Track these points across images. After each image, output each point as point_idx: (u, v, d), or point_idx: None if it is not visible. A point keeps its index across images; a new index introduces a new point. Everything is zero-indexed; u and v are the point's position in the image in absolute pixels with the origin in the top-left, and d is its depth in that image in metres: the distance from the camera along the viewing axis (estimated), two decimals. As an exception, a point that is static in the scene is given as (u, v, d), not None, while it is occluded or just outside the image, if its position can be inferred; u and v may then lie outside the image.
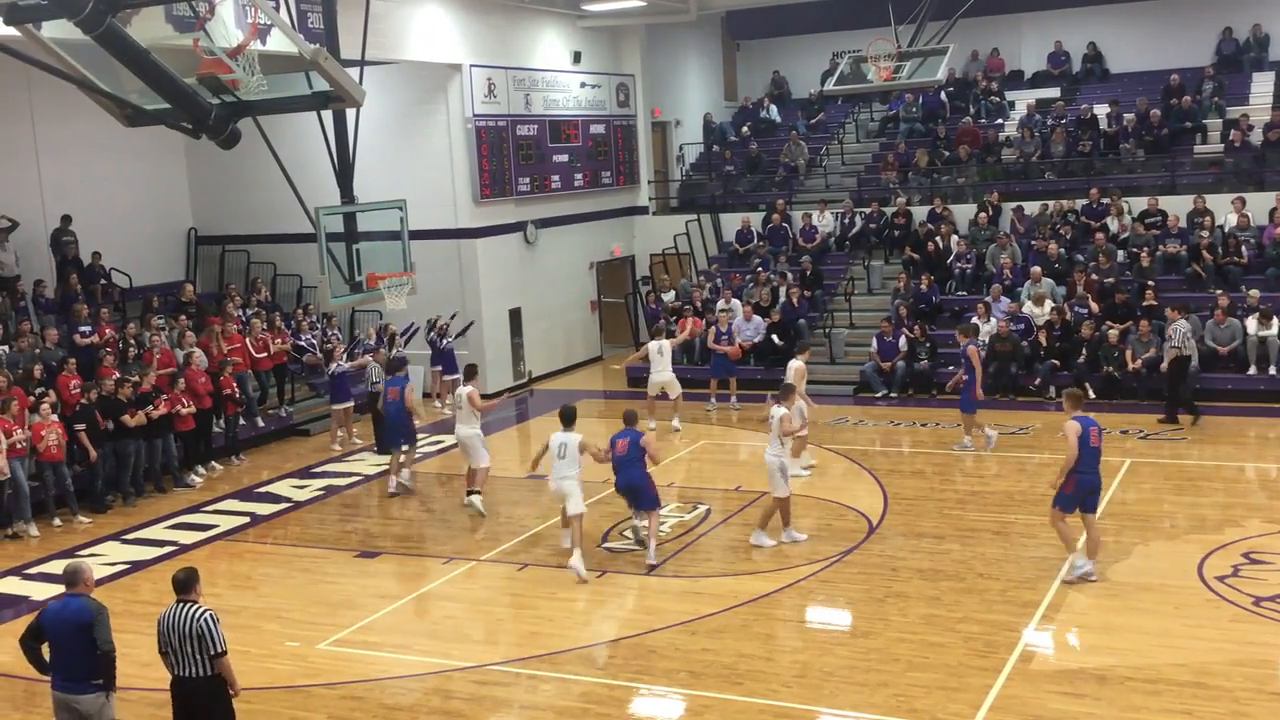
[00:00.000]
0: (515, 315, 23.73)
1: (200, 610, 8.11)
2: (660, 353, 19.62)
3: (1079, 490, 11.93)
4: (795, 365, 16.69)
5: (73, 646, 8.16)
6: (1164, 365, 18.68)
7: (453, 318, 21.93)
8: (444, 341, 21.60)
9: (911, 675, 10.02)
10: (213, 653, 8.08)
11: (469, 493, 15.30)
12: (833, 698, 9.77)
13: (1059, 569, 12.23)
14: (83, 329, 18.43)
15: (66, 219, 20.43)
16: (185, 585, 8.27)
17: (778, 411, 13.46)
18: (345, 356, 19.92)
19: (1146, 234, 22.15)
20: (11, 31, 9.47)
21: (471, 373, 15.95)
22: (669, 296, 24.63)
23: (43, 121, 20.55)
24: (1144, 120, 24.80)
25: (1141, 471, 15.85)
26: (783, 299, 22.88)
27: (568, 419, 13.20)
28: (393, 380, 16.69)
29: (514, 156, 23.42)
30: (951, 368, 20.55)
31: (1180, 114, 24.89)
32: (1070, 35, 28.77)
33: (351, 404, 19.44)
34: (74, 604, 8.22)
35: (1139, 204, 22.93)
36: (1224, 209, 22.17)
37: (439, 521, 15.42)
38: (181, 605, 8.17)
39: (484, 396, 16.42)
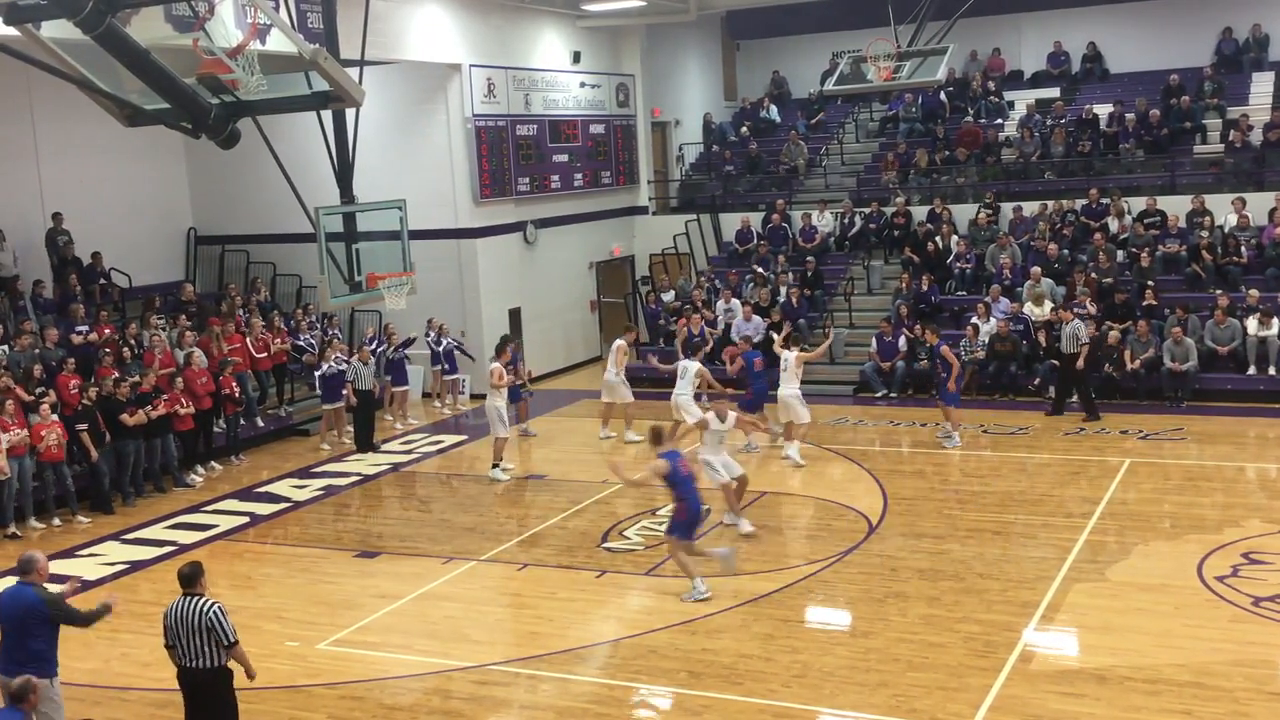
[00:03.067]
0: (515, 315, 23.72)
1: (208, 604, 8.25)
2: (683, 375, 17.61)
3: (691, 517, 12.01)
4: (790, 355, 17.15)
5: (21, 633, 8.41)
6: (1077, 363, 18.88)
7: (462, 335, 21.94)
8: (445, 342, 21.58)
9: (911, 675, 10.02)
10: (226, 644, 8.26)
11: (493, 465, 16.80)
12: (832, 698, 9.77)
13: (1059, 569, 12.23)
14: (79, 329, 18.41)
15: (58, 217, 20.40)
16: (191, 580, 8.38)
17: (789, 355, 16.91)
18: (374, 346, 20.25)
19: (1146, 234, 22.16)
20: (11, 31, 9.47)
21: (501, 346, 17.31)
22: (669, 296, 24.64)
23: (42, 121, 20.53)
24: (1144, 120, 24.81)
25: (1141, 471, 15.84)
26: (783, 298, 22.87)
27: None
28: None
29: (514, 156, 23.41)
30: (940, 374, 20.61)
31: (1180, 114, 24.90)
32: (1070, 35, 28.78)
33: (343, 404, 19.41)
34: (26, 593, 8.49)
35: (1138, 204, 22.93)
36: (1224, 209, 22.17)
37: (439, 522, 15.41)
38: (188, 599, 8.29)
39: (483, 396, 16.71)
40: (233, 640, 8.28)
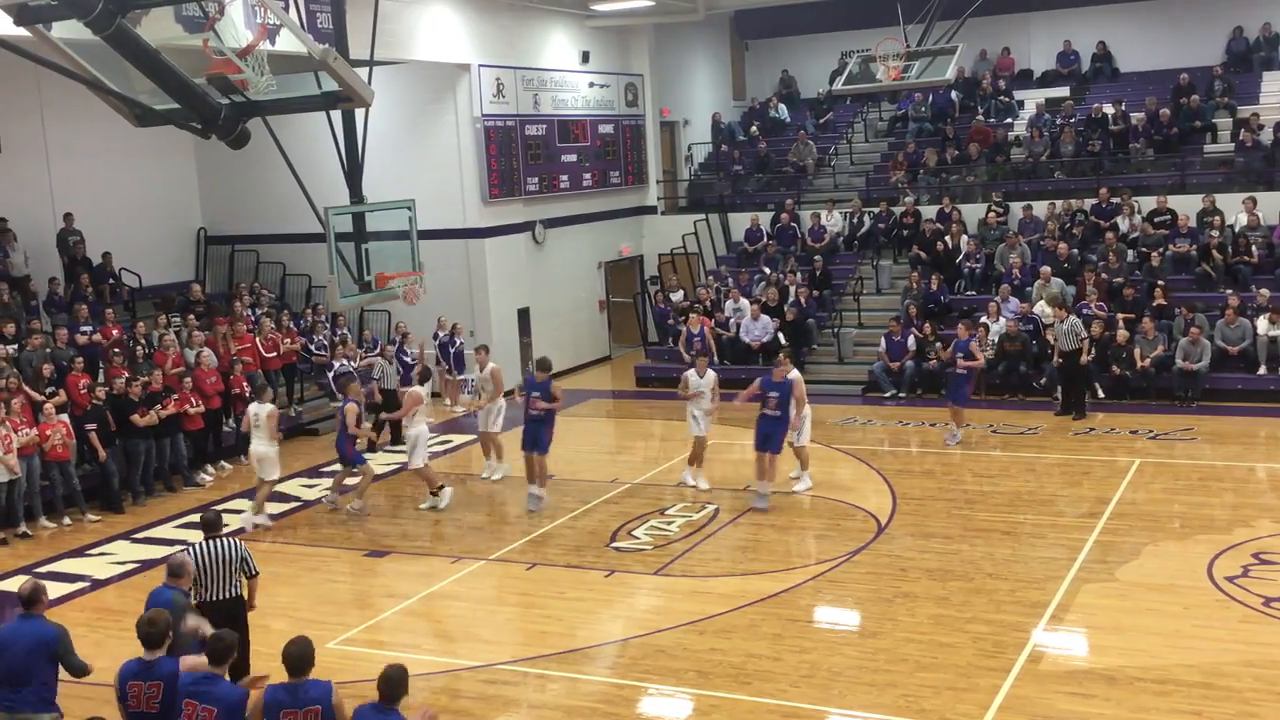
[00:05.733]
0: (524, 315, 23.74)
1: (234, 541, 9.76)
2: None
3: None
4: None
5: (31, 668, 8.05)
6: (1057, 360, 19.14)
7: (471, 335, 21.93)
8: (459, 341, 21.59)
9: (920, 675, 10.01)
10: (250, 574, 9.74)
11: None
12: (841, 698, 9.76)
13: (1068, 569, 12.22)
14: (84, 328, 18.45)
15: (69, 217, 20.48)
16: (214, 525, 9.86)
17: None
18: (368, 350, 20.22)
19: (1156, 233, 22.11)
20: (21, 32, 9.48)
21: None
22: (677, 296, 24.64)
23: (52, 122, 20.59)
24: (1153, 119, 24.73)
25: (1150, 471, 15.81)
26: (792, 298, 22.86)
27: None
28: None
29: (522, 156, 23.43)
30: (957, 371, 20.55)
31: (1190, 113, 24.83)
32: (1079, 34, 28.71)
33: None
34: (34, 626, 8.19)
35: (1148, 203, 22.87)
36: (1234, 208, 22.10)
37: (447, 521, 15.42)
38: (211, 541, 9.69)
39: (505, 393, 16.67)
40: (256, 571, 9.81)
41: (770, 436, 14.76)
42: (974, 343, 17.96)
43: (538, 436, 15.15)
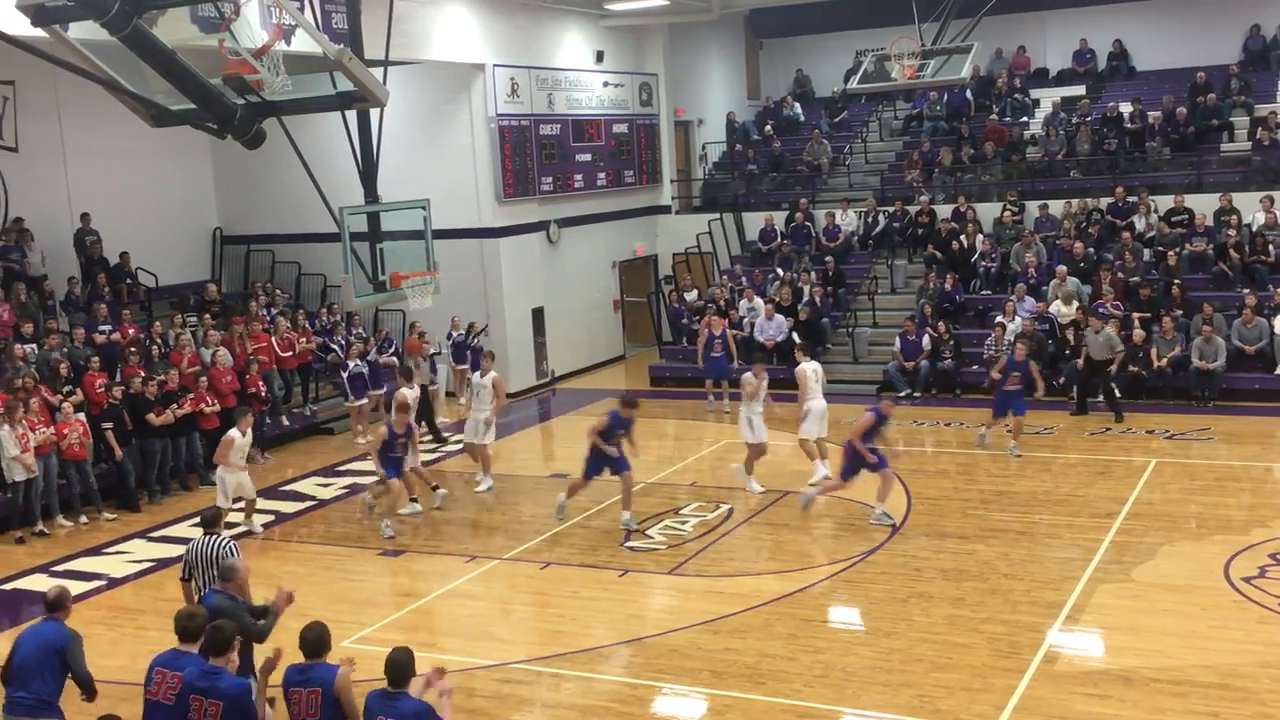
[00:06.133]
0: (538, 314, 23.76)
1: (224, 540, 9.78)
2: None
3: None
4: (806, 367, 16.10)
5: (41, 669, 8.05)
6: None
7: (485, 329, 21.93)
8: (474, 340, 21.61)
9: (935, 676, 9.99)
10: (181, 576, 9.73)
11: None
12: (855, 698, 9.75)
13: (1084, 570, 12.18)
14: (102, 328, 18.55)
15: (86, 217, 20.58)
16: (212, 521, 9.93)
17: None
18: (375, 351, 20.27)
19: (1172, 232, 22.01)
20: (38, 33, 9.52)
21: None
22: (691, 296, 24.63)
23: (69, 122, 20.68)
24: (1170, 118, 24.63)
25: (1167, 471, 15.75)
26: (806, 297, 22.83)
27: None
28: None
29: (537, 156, 23.45)
30: (977, 367, 20.52)
31: (1206, 112, 24.72)
32: (1095, 33, 28.60)
33: (367, 401, 19.56)
34: (51, 627, 8.24)
35: (1165, 202, 22.78)
36: (1251, 207, 21.99)
37: (462, 520, 15.45)
38: (208, 538, 9.75)
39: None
40: (183, 576, 9.75)
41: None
42: (1033, 365, 17.40)
43: (619, 462, 14.41)
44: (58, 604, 8.34)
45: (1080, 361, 19.19)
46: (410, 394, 16.14)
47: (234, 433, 14.89)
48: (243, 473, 14.94)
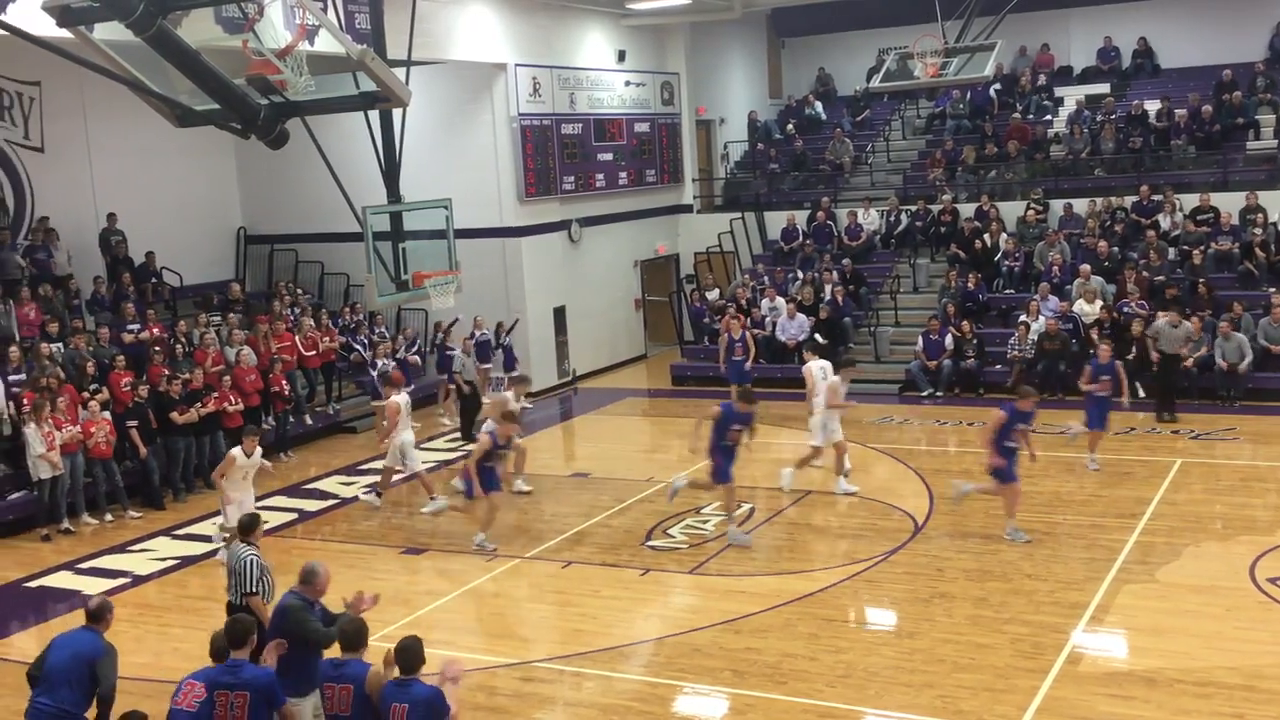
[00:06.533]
0: (560, 313, 23.79)
1: (246, 553, 9.45)
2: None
3: None
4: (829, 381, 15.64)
5: (69, 679, 7.99)
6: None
7: (515, 323, 21.92)
8: (505, 338, 21.67)
9: (957, 676, 9.96)
10: (245, 591, 9.35)
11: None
12: (877, 698, 9.72)
13: (1108, 570, 12.11)
14: (130, 327, 18.68)
15: (112, 217, 20.72)
16: (247, 529, 9.65)
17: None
18: (405, 348, 20.38)
19: (1198, 231, 21.87)
20: (64, 33, 9.60)
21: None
22: (713, 295, 24.61)
23: (95, 122, 20.83)
24: (1195, 116, 24.47)
25: (1193, 472, 15.64)
26: (827, 296, 22.79)
27: None
28: None
29: (559, 155, 23.48)
30: (1000, 366, 20.44)
31: (1232, 110, 24.54)
32: (1120, 30, 28.43)
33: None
34: (88, 637, 8.22)
35: (1190, 201, 22.64)
36: (1277, 206, 21.84)
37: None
38: (242, 545, 9.56)
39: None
40: (249, 590, 9.31)
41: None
42: (1119, 364, 16.42)
43: (727, 468, 13.66)
44: (98, 615, 8.26)
45: (1155, 357, 18.82)
46: (400, 399, 15.54)
47: (236, 451, 13.40)
48: (245, 495, 13.38)
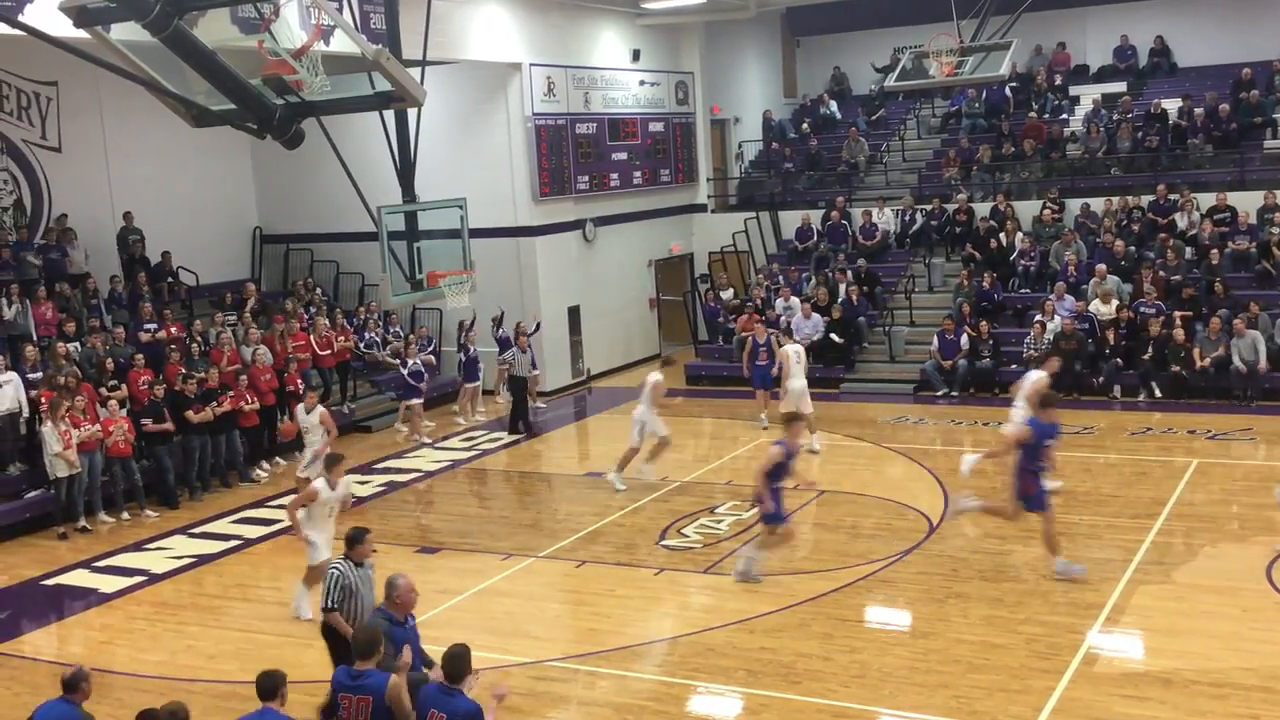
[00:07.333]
0: (574, 313, 23.80)
1: (332, 567, 9.33)
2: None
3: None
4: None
5: None
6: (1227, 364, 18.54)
7: (537, 328, 21.89)
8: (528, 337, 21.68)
9: (972, 677, 9.93)
10: (323, 606, 9.23)
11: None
12: (892, 698, 9.71)
13: (1124, 571, 12.06)
14: (148, 325, 18.76)
15: (129, 216, 20.83)
16: (354, 541, 9.32)
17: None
18: (420, 349, 20.49)
19: (1215, 231, 21.77)
20: (81, 34, 9.64)
21: None
22: (727, 294, 24.58)
23: (111, 122, 20.93)
24: (1213, 115, 24.35)
25: (1209, 472, 15.57)
26: (842, 295, 22.75)
27: None
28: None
29: (573, 155, 23.49)
30: (1015, 366, 20.37)
31: (1250, 108, 24.41)
32: (1136, 29, 28.31)
33: (421, 400, 19.79)
34: (64, 710, 7.72)
35: (1207, 200, 22.53)
36: (1295, 205, 21.73)
37: (498, 518, 15.51)
38: (337, 559, 9.46)
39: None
40: (326, 605, 9.12)
41: None
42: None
43: (1036, 499, 11.89)
44: (73, 685, 7.74)
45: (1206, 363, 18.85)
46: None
47: (319, 484, 11.59)
48: (325, 533, 11.75)
